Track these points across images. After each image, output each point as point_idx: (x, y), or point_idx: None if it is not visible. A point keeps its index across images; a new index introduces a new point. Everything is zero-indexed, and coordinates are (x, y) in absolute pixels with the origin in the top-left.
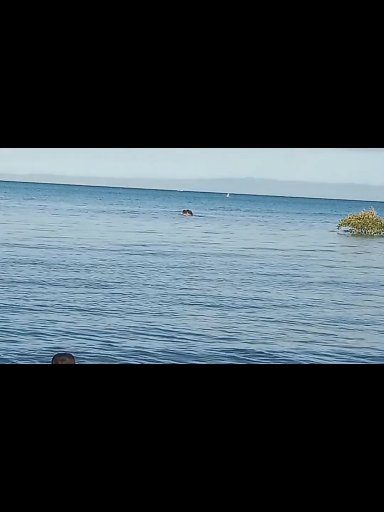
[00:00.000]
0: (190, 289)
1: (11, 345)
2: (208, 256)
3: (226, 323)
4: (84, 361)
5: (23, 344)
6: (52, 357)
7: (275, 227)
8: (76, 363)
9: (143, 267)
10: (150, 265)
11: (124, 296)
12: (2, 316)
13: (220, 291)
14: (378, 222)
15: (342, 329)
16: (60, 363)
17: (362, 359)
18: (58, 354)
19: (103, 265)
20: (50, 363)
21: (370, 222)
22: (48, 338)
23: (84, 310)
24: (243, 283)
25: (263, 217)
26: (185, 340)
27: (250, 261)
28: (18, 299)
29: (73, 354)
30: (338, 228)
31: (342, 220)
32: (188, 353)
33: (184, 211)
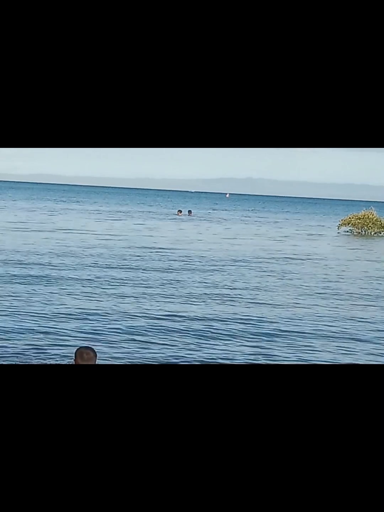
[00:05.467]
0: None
1: None
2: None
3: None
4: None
5: None
6: (75, 350)
7: (275, 227)
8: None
9: None
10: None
11: None
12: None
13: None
14: (378, 222)
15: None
16: (85, 356)
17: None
18: (82, 347)
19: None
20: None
21: (370, 222)
22: None
23: None
24: (240, 282)
25: (263, 217)
26: None
27: (250, 261)
28: None
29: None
30: (338, 228)
31: (342, 220)
32: None
33: (179, 211)
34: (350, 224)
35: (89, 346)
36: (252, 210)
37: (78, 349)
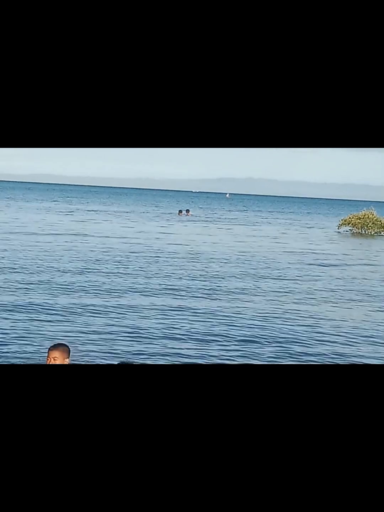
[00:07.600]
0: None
1: None
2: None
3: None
4: None
5: None
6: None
7: (275, 227)
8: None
9: None
10: None
11: None
12: None
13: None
14: (378, 222)
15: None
16: (57, 352)
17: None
18: (53, 345)
19: None
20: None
21: (370, 222)
22: None
23: None
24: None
25: (263, 217)
26: None
27: (250, 261)
28: None
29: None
30: (338, 228)
31: (342, 220)
32: None
33: (179, 211)
34: (350, 224)
35: (62, 343)
36: (252, 210)
37: (50, 347)
